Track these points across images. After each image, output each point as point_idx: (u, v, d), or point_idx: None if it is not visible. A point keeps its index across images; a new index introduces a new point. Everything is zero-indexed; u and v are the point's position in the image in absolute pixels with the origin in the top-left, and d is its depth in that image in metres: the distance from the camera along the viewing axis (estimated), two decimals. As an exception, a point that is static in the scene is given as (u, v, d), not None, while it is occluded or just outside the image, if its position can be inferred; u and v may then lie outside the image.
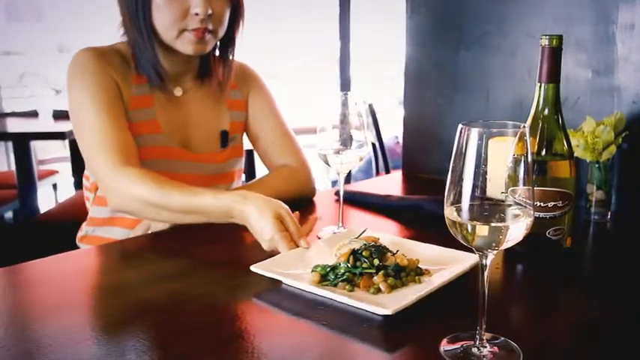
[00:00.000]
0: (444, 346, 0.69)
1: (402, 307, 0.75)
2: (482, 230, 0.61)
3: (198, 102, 1.29)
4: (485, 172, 0.61)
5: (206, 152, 1.28)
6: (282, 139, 1.36)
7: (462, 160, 0.61)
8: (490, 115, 1.41)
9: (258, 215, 1.00)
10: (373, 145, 3.33)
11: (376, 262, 0.85)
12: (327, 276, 0.85)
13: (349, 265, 0.85)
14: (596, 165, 1.14)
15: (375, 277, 0.83)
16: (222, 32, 1.21)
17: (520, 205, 0.62)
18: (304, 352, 0.69)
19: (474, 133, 0.61)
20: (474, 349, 0.67)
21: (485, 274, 0.66)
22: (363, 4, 4.21)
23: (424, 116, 1.59)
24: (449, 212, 0.63)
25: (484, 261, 0.65)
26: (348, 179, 3.44)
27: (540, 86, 0.95)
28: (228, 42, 1.26)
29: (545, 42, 0.93)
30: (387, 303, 0.77)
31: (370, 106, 3.28)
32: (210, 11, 1.14)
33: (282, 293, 0.85)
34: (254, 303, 0.82)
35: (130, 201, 1.10)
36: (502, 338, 0.70)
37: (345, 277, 0.84)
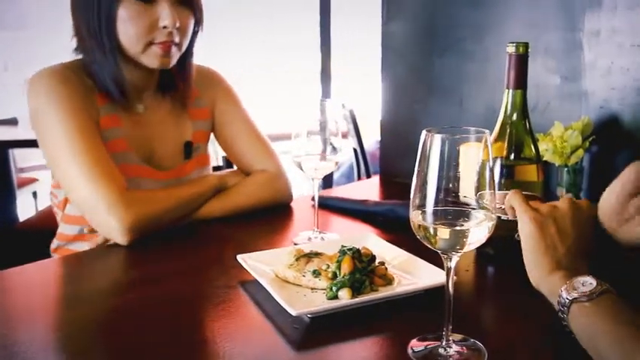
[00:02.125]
0: (412, 347, 0.70)
1: (310, 311, 0.76)
2: (444, 233, 0.62)
3: (160, 116, 1.27)
4: (450, 177, 0.63)
5: (170, 167, 1.26)
6: (255, 144, 1.35)
7: (426, 165, 0.63)
8: (464, 120, 1.43)
9: None
10: (355, 150, 3.35)
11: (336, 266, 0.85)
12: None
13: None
14: (565, 168, 1.17)
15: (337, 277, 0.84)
16: (186, 44, 1.20)
17: (483, 208, 0.64)
18: (273, 356, 0.70)
19: (437, 139, 0.62)
20: (441, 350, 0.69)
21: (451, 276, 0.67)
22: (344, 8, 4.24)
23: (400, 121, 1.61)
24: (414, 215, 0.65)
25: (449, 263, 0.66)
26: (330, 184, 3.46)
27: (508, 92, 0.97)
28: (187, 53, 1.23)
29: (512, 49, 0.95)
30: (307, 304, 0.79)
31: (351, 111, 3.30)
32: (178, 24, 1.13)
33: (254, 295, 0.86)
34: (224, 307, 0.83)
35: (149, 216, 1.10)
36: (470, 339, 0.71)
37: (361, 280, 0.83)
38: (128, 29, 1.11)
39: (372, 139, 4.01)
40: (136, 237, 1.08)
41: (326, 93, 3.97)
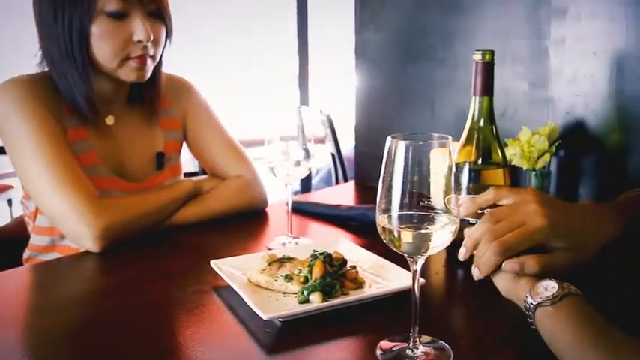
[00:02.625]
0: (380, 348, 0.72)
1: (281, 315, 0.78)
2: (408, 237, 0.64)
3: (131, 128, 1.27)
4: (414, 182, 0.64)
5: (142, 179, 1.26)
6: (229, 151, 1.36)
7: (391, 170, 0.65)
8: (436, 125, 1.46)
9: None
10: (332, 155, 3.37)
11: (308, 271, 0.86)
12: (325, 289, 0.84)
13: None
14: (533, 172, 1.20)
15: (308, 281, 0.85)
16: (159, 56, 1.20)
17: (448, 212, 0.66)
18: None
19: (402, 145, 0.64)
20: (408, 351, 0.70)
21: (417, 278, 0.69)
22: (321, 13, 4.28)
23: (374, 127, 1.64)
24: (380, 219, 0.66)
25: (414, 266, 0.68)
26: (308, 189, 3.47)
27: (475, 99, 1.00)
28: (156, 65, 1.23)
29: (478, 57, 0.98)
30: (279, 308, 0.80)
31: (328, 117, 3.33)
32: (152, 37, 1.13)
33: (227, 300, 0.87)
34: (197, 312, 0.84)
35: (120, 224, 1.10)
36: (438, 341, 0.73)
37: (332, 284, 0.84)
38: (102, 46, 1.11)
39: (350, 144, 4.04)
40: (108, 244, 1.09)
41: (304, 97, 3.99)
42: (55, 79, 1.15)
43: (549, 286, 0.68)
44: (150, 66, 1.18)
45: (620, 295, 0.86)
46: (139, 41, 1.12)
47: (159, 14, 1.16)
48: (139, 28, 1.11)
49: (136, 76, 1.16)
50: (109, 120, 1.24)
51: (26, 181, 1.14)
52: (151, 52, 1.15)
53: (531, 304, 0.69)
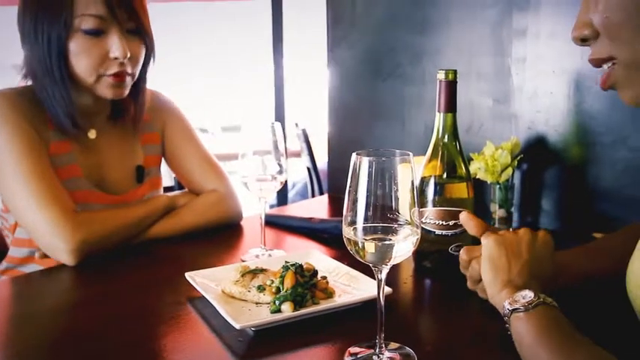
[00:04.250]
0: (348, 355, 0.75)
1: (253, 324, 0.81)
2: (371, 247, 0.68)
3: (112, 142, 1.29)
4: (378, 195, 0.68)
5: (123, 192, 1.28)
6: (205, 165, 1.38)
7: (356, 184, 0.69)
8: (406, 140, 1.51)
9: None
10: (308, 169, 3.41)
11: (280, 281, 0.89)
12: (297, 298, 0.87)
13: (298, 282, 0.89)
14: (497, 185, 1.25)
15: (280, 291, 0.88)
16: (137, 73, 1.22)
17: (410, 224, 0.70)
18: (219, 367, 0.74)
19: (365, 161, 0.68)
20: (375, 357, 0.74)
21: (382, 287, 0.73)
22: (295, 28, 4.33)
23: (346, 142, 1.68)
24: (345, 231, 0.70)
25: (379, 275, 0.72)
26: (285, 202, 3.50)
27: (440, 116, 1.05)
28: (139, 81, 1.25)
29: (441, 76, 1.03)
30: (251, 318, 0.83)
31: (304, 130, 3.37)
32: (129, 54, 1.14)
33: (201, 311, 0.89)
34: (172, 323, 0.87)
35: (96, 237, 1.13)
36: (405, 347, 0.77)
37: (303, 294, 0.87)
38: (80, 62, 1.13)
39: (326, 157, 4.08)
40: (83, 258, 1.10)
41: (279, 112, 4.02)
42: (38, 93, 1.17)
43: (527, 296, 0.74)
44: (128, 83, 1.20)
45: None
46: (115, 58, 1.14)
47: (138, 32, 1.18)
48: (115, 45, 1.13)
49: (112, 93, 1.18)
50: (92, 134, 1.26)
51: (5, 194, 1.15)
52: (129, 70, 1.18)
53: (508, 309, 0.74)
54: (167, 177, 2.10)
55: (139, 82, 1.25)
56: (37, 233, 1.12)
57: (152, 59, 1.25)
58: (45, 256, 1.17)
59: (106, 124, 1.29)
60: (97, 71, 1.15)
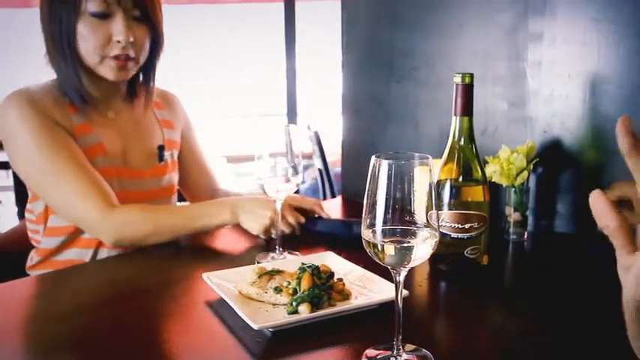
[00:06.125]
0: (366, 356, 0.76)
1: (271, 325, 0.82)
2: (391, 250, 0.68)
3: (132, 121, 1.36)
4: (397, 198, 0.69)
5: (146, 168, 1.35)
6: (209, 168, 1.55)
7: (375, 187, 0.69)
8: (420, 143, 1.51)
9: (260, 202, 1.23)
10: (320, 170, 3.42)
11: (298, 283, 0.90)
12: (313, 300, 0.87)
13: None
14: (512, 189, 1.25)
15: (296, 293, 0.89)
16: (143, 59, 1.28)
17: (428, 227, 0.70)
18: (238, 367, 0.75)
19: (385, 164, 0.69)
20: (392, 359, 0.74)
21: (400, 289, 0.73)
22: (309, 31, 4.35)
23: (360, 144, 1.69)
24: (364, 233, 0.70)
25: (397, 278, 0.72)
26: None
27: (456, 119, 1.05)
28: (149, 69, 1.33)
29: (458, 79, 1.03)
30: (269, 319, 0.84)
31: (316, 133, 3.38)
32: (131, 39, 1.21)
33: (218, 312, 0.90)
34: (190, 323, 0.87)
35: (129, 239, 1.20)
36: (421, 349, 0.77)
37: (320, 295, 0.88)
38: (85, 42, 1.20)
39: (338, 158, 4.09)
40: (121, 244, 1.22)
41: (291, 114, 4.04)
42: (55, 72, 1.25)
43: None
44: (132, 68, 1.26)
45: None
46: (118, 41, 1.20)
47: (143, 19, 1.24)
48: (118, 28, 1.20)
49: (114, 76, 1.24)
50: (111, 114, 1.33)
51: (45, 193, 1.22)
52: (132, 54, 1.24)
53: None
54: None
55: (149, 70, 1.33)
56: (79, 224, 1.23)
57: (160, 47, 1.31)
58: (75, 238, 1.28)
59: (123, 106, 1.36)
60: (100, 52, 1.21)
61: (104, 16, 1.19)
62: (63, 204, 1.21)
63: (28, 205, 1.32)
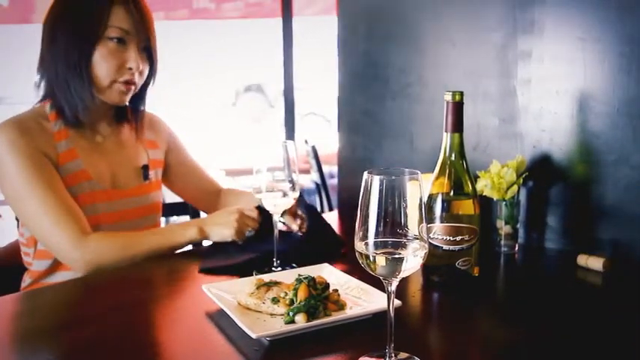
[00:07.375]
0: (359, 364, 0.79)
1: (268, 334, 0.85)
2: (382, 261, 0.72)
3: (118, 144, 1.42)
4: (388, 212, 0.72)
5: (132, 187, 1.40)
6: (207, 173, 1.63)
7: (367, 201, 0.73)
8: (414, 159, 1.55)
9: (222, 212, 1.31)
10: (317, 184, 3.46)
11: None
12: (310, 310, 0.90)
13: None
14: (503, 202, 1.29)
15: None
16: (139, 86, 1.36)
17: (419, 239, 0.74)
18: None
19: (376, 179, 0.72)
20: (384, 366, 0.77)
21: (392, 299, 0.77)
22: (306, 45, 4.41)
23: (356, 159, 1.72)
24: (357, 245, 0.74)
25: (389, 288, 0.76)
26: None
27: (447, 135, 1.09)
28: (142, 93, 1.41)
29: (449, 97, 1.07)
30: (266, 328, 0.87)
31: (313, 147, 3.42)
32: (141, 67, 1.31)
33: (217, 322, 0.93)
34: (189, 333, 0.90)
35: (102, 266, 1.23)
36: (414, 357, 0.80)
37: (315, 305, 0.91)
38: (101, 65, 1.28)
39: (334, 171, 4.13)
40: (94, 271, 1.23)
41: (289, 130, 4.08)
42: (57, 92, 1.29)
43: None
44: (131, 93, 1.34)
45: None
46: (130, 68, 1.29)
47: (148, 51, 1.34)
48: (132, 57, 1.29)
49: (120, 99, 1.33)
50: (99, 138, 1.38)
51: (21, 217, 1.28)
52: (136, 81, 1.32)
53: None
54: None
55: (142, 94, 1.41)
56: (54, 252, 1.26)
57: (154, 75, 1.39)
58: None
59: (109, 130, 1.41)
60: (112, 77, 1.28)
61: (122, 41, 1.27)
62: (40, 232, 1.25)
63: (20, 229, 1.36)
